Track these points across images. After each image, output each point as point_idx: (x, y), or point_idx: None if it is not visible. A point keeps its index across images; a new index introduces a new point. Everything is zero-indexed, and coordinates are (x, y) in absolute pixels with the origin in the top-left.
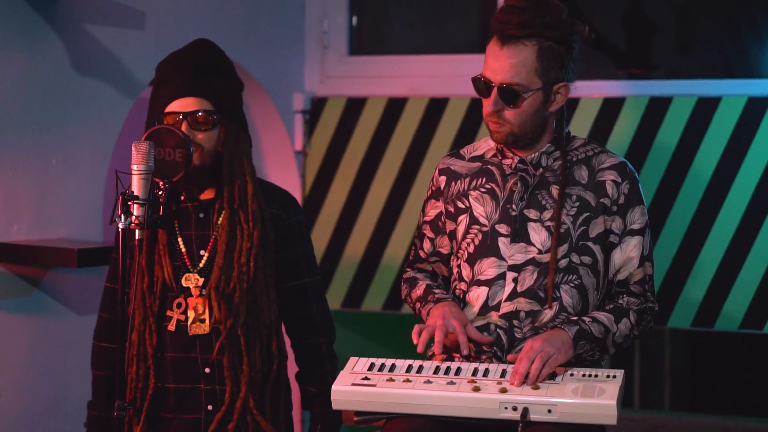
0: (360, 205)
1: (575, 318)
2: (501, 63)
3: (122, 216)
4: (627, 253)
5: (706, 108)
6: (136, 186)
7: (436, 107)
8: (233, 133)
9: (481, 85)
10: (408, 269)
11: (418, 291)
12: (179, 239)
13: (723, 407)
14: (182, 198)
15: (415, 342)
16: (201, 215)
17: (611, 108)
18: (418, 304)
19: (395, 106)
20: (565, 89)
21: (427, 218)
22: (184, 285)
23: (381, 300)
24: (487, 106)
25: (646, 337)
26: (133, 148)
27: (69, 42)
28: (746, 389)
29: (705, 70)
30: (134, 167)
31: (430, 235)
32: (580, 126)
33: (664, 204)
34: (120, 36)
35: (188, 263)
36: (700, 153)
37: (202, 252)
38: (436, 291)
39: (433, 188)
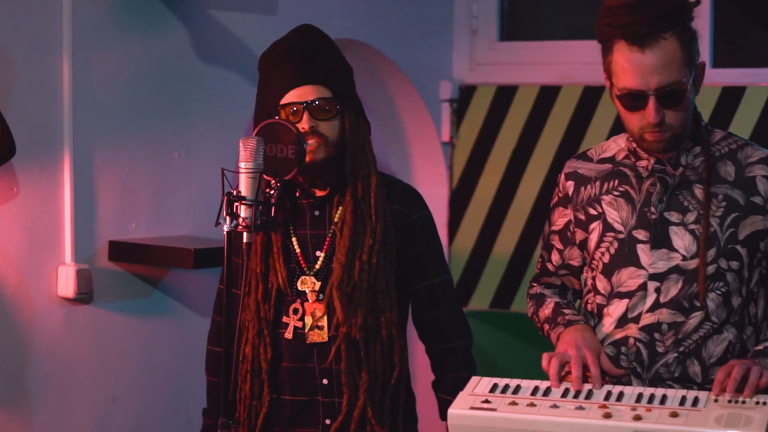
0: (510, 200)
1: (759, 348)
2: (649, 67)
3: (228, 218)
4: None
5: None
6: (244, 185)
7: (592, 96)
8: (354, 120)
9: (631, 98)
10: (534, 284)
11: (546, 310)
12: (293, 239)
13: None
14: (297, 194)
15: (545, 369)
16: (317, 213)
17: (730, 97)
18: (546, 326)
19: (548, 95)
20: (703, 66)
21: (555, 228)
22: (300, 289)
23: None
24: (645, 117)
25: None
26: (241, 145)
27: (193, 28)
28: None
29: None
30: (241, 165)
31: (559, 246)
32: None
33: None
34: (249, 22)
35: (303, 265)
36: None
37: (318, 253)
38: (566, 311)
39: (560, 195)
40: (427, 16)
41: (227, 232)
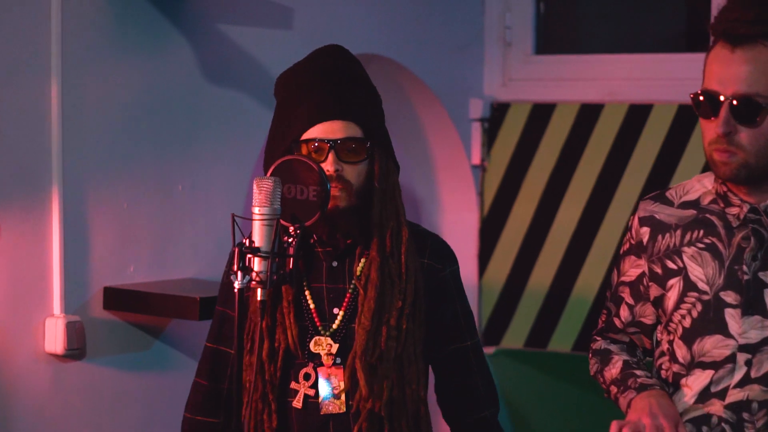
0: (547, 228)
1: None
2: (733, 70)
3: (239, 273)
4: None
5: None
6: (258, 234)
7: (638, 115)
8: (384, 163)
9: (705, 101)
10: (597, 338)
11: (613, 370)
12: (306, 293)
13: None
14: (312, 241)
15: None
16: (334, 264)
17: None
18: (613, 388)
19: (589, 114)
20: None
21: (625, 278)
22: (313, 351)
23: (571, 340)
24: (715, 127)
25: None
26: (255, 187)
27: (199, 45)
28: None
29: None
30: (255, 210)
31: (630, 300)
32: None
33: None
34: (261, 37)
35: (318, 324)
36: None
37: (336, 310)
38: (638, 372)
39: (633, 241)
40: (455, 28)
41: (238, 289)
